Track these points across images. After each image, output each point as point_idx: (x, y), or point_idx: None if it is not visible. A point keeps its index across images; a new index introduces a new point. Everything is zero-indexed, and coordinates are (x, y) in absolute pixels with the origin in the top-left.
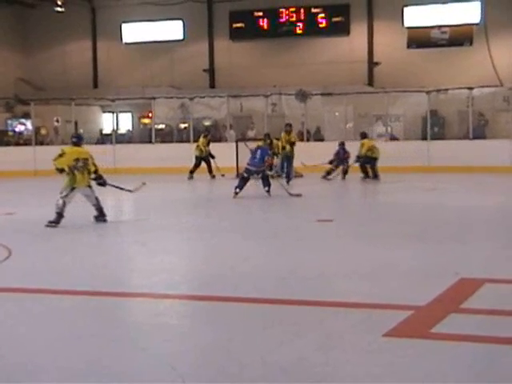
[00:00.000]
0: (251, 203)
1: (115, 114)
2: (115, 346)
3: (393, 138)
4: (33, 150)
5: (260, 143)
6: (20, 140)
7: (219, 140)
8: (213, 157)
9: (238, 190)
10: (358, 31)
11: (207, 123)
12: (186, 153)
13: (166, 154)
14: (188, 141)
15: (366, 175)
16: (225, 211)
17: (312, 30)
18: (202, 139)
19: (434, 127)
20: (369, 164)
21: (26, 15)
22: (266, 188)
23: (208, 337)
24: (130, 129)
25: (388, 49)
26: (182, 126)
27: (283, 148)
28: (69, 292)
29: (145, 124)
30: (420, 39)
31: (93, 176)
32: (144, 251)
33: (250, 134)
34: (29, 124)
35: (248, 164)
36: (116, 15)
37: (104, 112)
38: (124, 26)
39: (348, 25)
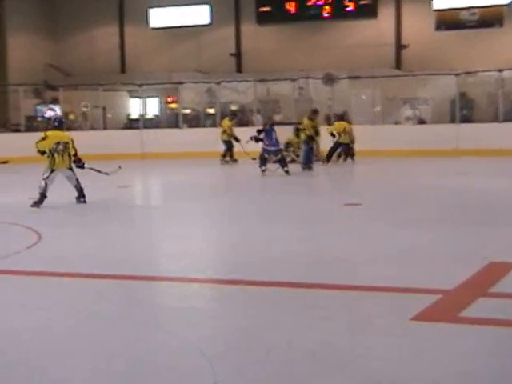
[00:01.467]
0: (278, 187)
1: (142, 99)
2: (143, 330)
3: (421, 122)
4: None
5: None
6: (49, 126)
7: (246, 124)
8: (237, 140)
9: (263, 167)
10: (386, 14)
11: (234, 107)
12: (213, 137)
13: (193, 138)
14: (215, 125)
15: (327, 159)
16: (252, 195)
17: (339, 13)
18: (228, 122)
19: (463, 110)
20: (339, 149)
21: (53, 1)
22: (286, 168)
23: (235, 320)
24: (157, 114)
25: (416, 31)
26: (209, 110)
27: (310, 136)
28: (97, 276)
29: (172, 109)
30: (449, 21)
31: (72, 159)
32: (172, 235)
33: (277, 118)
34: (58, 110)
35: (266, 145)
36: (143, 0)
37: (131, 97)
38: (151, 10)
39: (375, 7)
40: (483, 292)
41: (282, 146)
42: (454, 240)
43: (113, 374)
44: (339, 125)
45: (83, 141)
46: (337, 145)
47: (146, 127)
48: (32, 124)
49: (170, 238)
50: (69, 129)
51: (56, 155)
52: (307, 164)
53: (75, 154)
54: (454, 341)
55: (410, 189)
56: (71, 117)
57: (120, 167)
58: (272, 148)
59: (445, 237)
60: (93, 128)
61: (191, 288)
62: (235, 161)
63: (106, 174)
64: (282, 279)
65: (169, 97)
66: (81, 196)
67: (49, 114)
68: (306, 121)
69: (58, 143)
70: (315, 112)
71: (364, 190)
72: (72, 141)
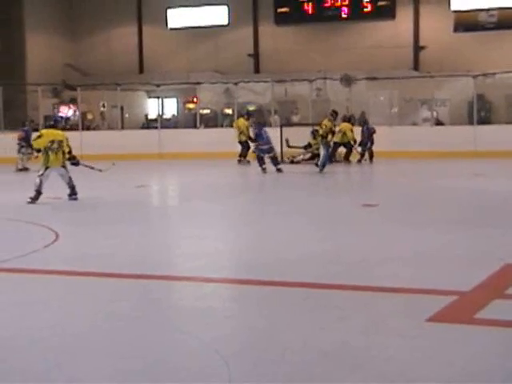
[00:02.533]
0: (295, 188)
1: (160, 99)
2: (159, 329)
3: (438, 123)
4: (79, 134)
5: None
6: (67, 125)
7: (264, 125)
8: (252, 140)
9: (263, 166)
10: (404, 15)
11: (251, 108)
12: (230, 138)
13: (211, 138)
14: (232, 126)
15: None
16: (268, 196)
17: (357, 14)
18: (244, 122)
19: (481, 112)
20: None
21: (72, 1)
22: (278, 166)
23: (251, 321)
24: (175, 114)
25: (434, 33)
26: (227, 111)
27: (324, 137)
28: (114, 275)
29: (189, 109)
30: (467, 23)
31: (67, 156)
32: (189, 235)
33: (295, 119)
34: (72, 110)
35: (260, 144)
36: (161, 1)
37: (149, 97)
38: (169, 11)
39: (393, 9)
40: (499, 294)
41: (273, 144)
42: (471, 242)
43: (129, 374)
44: (345, 126)
45: (101, 141)
46: (336, 145)
47: (163, 127)
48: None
49: (187, 238)
50: (87, 128)
51: (50, 153)
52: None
53: (69, 152)
54: (469, 342)
55: (427, 190)
56: (89, 116)
57: (114, 163)
58: (265, 146)
59: (461, 238)
60: (110, 128)
61: (207, 288)
62: (249, 162)
63: (100, 170)
64: (299, 279)
65: (187, 97)
66: (72, 193)
67: (65, 113)
68: (326, 122)
69: (53, 141)
70: (336, 113)
71: (381, 191)
72: (66, 139)
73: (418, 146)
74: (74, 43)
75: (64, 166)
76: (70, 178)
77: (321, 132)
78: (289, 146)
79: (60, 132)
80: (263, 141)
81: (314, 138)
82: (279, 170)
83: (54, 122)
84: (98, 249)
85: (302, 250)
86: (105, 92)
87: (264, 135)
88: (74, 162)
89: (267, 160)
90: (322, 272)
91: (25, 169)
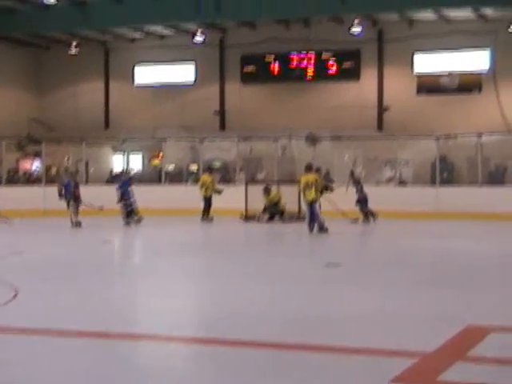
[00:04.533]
0: (259, 244)
1: (126, 155)
2: None
3: (402, 183)
4: (42, 189)
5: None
6: (30, 179)
7: (229, 182)
8: (219, 192)
9: (128, 220)
10: (368, 77)
11: (217, 164)
12: (195, 194)
13: (176, 195)
14: (197, 182)
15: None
16: (232, 253)
17: (322, 75)
18: (208, 178)
19: (443, 173)
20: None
21: (39, 57)
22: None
23: (212, 381)
24: (140, 169)
25: (398, 94)
26: (192, 167)
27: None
28: (75, 333)
29: (155, 165)
30: (429, 85)
31: None
32: (151, 293)
33: (260, 176)
34: (38, 163)
35: (127, 199)
36: (129, 58)
37: (115, 152)
38: (136, 68)
39: (358, 70)
40: (462, 355)
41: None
42: (433, 302)
43: None
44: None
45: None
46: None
47: None
48: (13, 177)
49: (148, 296)
50: (51, 182)
51: None
52: (321, 227)
53: None
54: None
55: (390, 250)
56: (53, 170)
57: (101, 208)
58: (132, 200)
59: (424, 299)
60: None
61: (169, 347)
62: (212, 219)
63: (88, 206)
64: (260, 339)
65: (152, 153)
66: None
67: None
68: (316, 177)
69: None
70: (309, 168)
71: (344, 251)
72: None
73: (381, 205)
74: (41, 97)
75: None
76: None
77: (312, 192)
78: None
79: None
80: (129, 195)
81: (268, 194)
82: (128, 224)
83: None
84: (57, 305)
85: (264, 310)
86: (70, 147)
87: (130, 190)
88: None
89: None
90: (283, 331)
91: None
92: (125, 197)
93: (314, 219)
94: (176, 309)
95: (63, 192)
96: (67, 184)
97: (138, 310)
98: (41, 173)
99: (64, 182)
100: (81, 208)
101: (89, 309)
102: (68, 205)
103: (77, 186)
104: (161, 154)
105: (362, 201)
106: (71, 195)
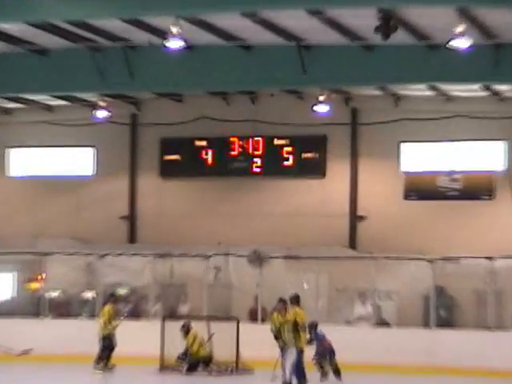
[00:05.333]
0: None
1: None
2: None
3: (382, 323)
4: None
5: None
6: None
7: (138, 316)
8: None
9: None
10: (337, 173)
11: (123, 291)
12: (89, 332)
13: (62, 333)
14: (93, 315)
15: None
16: None
17: (274, 168)
18: (110, 308)
19: (440, 310)
20: None
21: None
22: None
23: None
24: (12, 296)
25: (377, 198)
26: (87, 294)
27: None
28: None
29: (32, 290)
30: (422, 188)
31: None
32: None
33: (183, 309)
34: None
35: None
36: (1, 137)
37: None
38: (11, 151)
39: (324, 163)
40: None
41: None
42: None
43: None
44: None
45: None
46: None
47: None
48: None
49: None
50: None
51: None
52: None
53: None
54: None
55: None
56: None
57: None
58: None
59: None
60: None
61: None
62: (112, 367)
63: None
64: None
65: (30, 273)
66: None
67: None
68: (275, 317)
69: None
70: (285, 302)
71: None
72: None
73: (352, 354)
74: None
75: None
76: None
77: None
78: None
79: None
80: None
81: (187, 334)
82: None
83: None
84: None
85: None
86: None
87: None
88: None
89: None
90: None
91: None
92: None
93: (299, 374)
94: None
95: None
96: None
97: None
98: None
99: None
100: None
101: None
102: None
103: None
104: (42, 275)
105: (325, 353)
106: None
